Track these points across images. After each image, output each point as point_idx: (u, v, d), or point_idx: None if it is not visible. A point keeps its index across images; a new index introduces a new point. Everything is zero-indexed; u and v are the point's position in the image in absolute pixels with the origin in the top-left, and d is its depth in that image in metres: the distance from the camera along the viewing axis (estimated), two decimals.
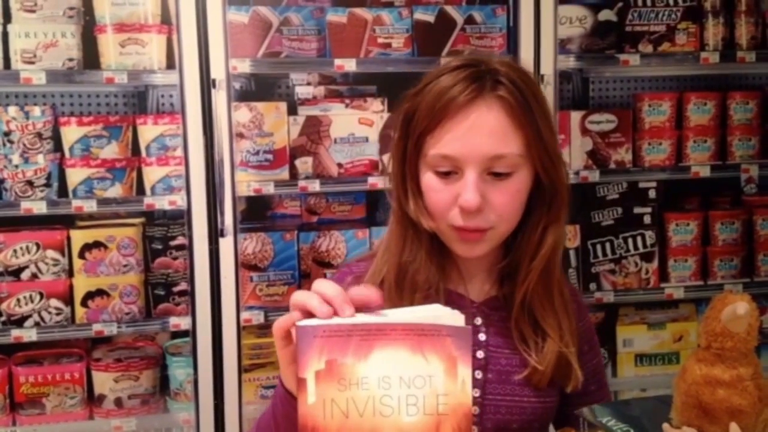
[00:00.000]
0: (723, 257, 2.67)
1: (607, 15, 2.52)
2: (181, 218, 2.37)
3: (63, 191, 2.36)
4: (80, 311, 2.35)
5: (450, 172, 1.13)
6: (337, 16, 2.37)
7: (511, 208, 1.15)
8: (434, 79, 1.15)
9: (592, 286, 2.59)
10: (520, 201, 1.16)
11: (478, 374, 1.22)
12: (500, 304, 1.25)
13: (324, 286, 0.92)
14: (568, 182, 1.20)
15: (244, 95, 2.54)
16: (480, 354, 1.23)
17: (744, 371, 1.04)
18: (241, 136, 2.35)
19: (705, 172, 2.60)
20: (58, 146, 2.36)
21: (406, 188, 1.19)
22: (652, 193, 2.61)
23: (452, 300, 1.21)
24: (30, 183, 2.32)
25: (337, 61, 2.35)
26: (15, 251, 2.32)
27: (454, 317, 0.92)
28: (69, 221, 2.41)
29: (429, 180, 1.15)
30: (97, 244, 2.36)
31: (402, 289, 1.19)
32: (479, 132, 1.11)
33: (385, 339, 0.91)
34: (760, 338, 1.05)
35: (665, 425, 1.09)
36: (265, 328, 2.44)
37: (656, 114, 2.61)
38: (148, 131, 2.38)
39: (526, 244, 1.20)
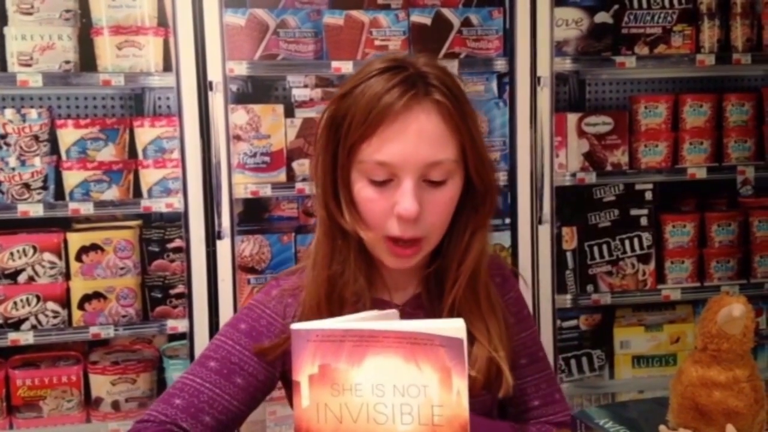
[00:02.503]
0: (719, 259, 2.67)
1: (603, 17, 2.52)
2: (178, 221, 2.37)
3: (60, 194, 2.35)
4: (77, 314, 2.35)
5: (385, 181, 1.10)
6: (333, 19, 2.37)
7: (445, 216, 1.14)
8: (362, 82, 1.11)
9: (589, 287, 2.59)
10: (452, 207, 1.14)
11: None
12: (421, 303, 1.23)
13: None
14: (498, 186, 1.19)
15: (241, 97, 2.54)
16: None
17: (740, 373, 1.04)
18: (238, 138, 2.35)
19: (701, 173, 2.60)
20: (54, 149, 2.36)
21: (338, 199, 1.14)
22: (648, 195, 2.62)
23: (378, 307, 1.17)
24: (27, 186, 2.31)
25: (334, 63, 2.35)
26: (12, 254, 2.32)
27: (451, 328, 0.90)
28: (65, 224, 2.41)
29: (364, 189, 1.11)
30: (94, 247, 2.36)
31: (331, 303, 1.16)
32: (417, 138, 1.08)
33: (378, 346, 0.90)
34: (756, 340, 1.06)
35: (662, 427, 1.09)
36: None
37: (652, 116, 2.62)
38: (145, 133, 2.38)
39: (454, 249, 1.18)
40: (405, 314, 1.22)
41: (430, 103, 1.09)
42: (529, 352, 1.30)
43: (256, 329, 1.20)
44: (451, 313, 1.19)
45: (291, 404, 1.24)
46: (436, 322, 0.92)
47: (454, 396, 0.88)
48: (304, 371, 0.92)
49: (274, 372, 1.20)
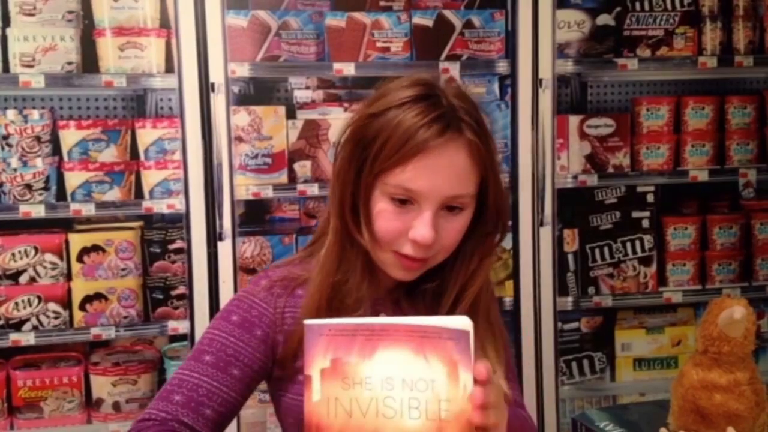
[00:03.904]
0: (721, 261, 2.67)
1: (605, 19, 2.52)
2: (179, 222, 2.37)
3: (61, 195, 2.35)
4: (78, 315, 2.35)
5: (405, 201, 1.14)
6: (335, 20, 2.37)
7: (456, 240, 1.18)
8: (393, 107, 1.14)
9: (591, 290, 2.59)
10: (463, 232, 1.19)
11: None
12: (401, 295, 1.25)
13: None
14: (509, 216, 1.23)
15: (243, 99, 2.54)
16: None
17: (741, 376, 1.04)
18: (239, 139, 2.35)
19: (703, 176, 2.60)
20: (56, 150, 2.36)
21: (355, 212, 1.17)
22: (650, 197, 2.61)
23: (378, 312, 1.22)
24: (28, 186, 2.32)
25: (336, 65, 2.35)
26: (13, 255, 2.32)
27: (459, 322, 0.91)
28: (67, 225, 2.41)
29: (384, 206, 1.15)
30: (96, 248, 2.36)
31: (330, 309, 1.18)
32: (447, 174, 1.13)
33: (389, 339, 0.91)
34: (757, 342, 1.06)
35: (662, 430, 1.09)
36: None
37: (654, 118, 2.62)
38: (147, 135, 2.38)
39: (459, 272, 1.22)
40: (375, 312, 1.23)
41: (463, 142, 1.14)
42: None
43: (248, 320, 1.21)
44: None
45: (272, 397, 1.26)
46: (443, 318, 0.93)
47: (461, 391, 0.89)
48: (315, 365, 0.92)
49: (267, 362, 1.22)
